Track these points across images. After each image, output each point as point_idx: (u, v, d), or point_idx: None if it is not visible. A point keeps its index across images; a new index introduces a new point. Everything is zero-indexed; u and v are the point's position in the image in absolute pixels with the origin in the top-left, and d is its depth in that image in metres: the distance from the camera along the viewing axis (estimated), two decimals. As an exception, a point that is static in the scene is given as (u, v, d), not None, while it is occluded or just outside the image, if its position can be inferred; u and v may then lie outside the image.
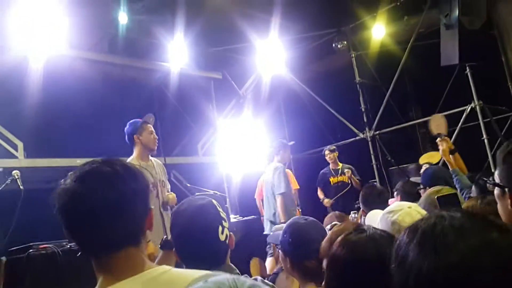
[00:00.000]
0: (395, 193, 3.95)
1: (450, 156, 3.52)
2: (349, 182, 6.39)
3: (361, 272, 1.21)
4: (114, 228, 1.07)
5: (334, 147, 6.73)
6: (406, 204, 1.92)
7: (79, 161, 5.49)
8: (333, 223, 2.68)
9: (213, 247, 1.62)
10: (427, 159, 5.79)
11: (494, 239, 0.70)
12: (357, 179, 6.42)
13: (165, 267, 1.12)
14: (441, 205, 1.64)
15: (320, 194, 6.62)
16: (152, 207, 1.19)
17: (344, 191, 6.35)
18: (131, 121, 4.10)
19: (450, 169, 3.43)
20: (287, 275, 2.43)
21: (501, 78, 7.29)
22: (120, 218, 1.07)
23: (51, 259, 3.44)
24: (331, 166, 6.62)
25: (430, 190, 2.22)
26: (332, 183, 6.50)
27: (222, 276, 0.69)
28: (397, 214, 1.82)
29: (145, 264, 1.11)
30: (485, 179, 2.70)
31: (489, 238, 0.70)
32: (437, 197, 1.70)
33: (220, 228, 1.64)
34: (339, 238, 1.33)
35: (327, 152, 6.59)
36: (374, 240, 1.27)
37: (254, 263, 3.93)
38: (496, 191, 1.48)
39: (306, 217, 2.12)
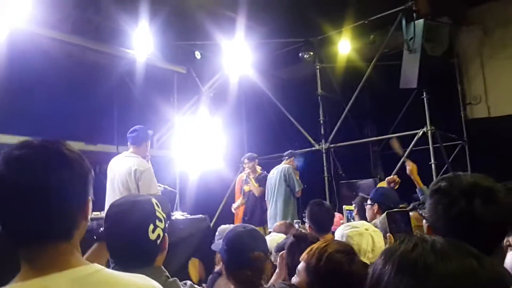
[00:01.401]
0: (353, 205, 4.07)
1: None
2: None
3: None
4: (42, 219, 0.99)
5: (255, 155, 6.63)
6: (366, 225, 2.03)
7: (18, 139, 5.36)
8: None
9: (141, 244, 1.57)
10: None
11: (475, 268, 0.69)
12: (257, 185, 6.33)
13: (96, 266, 1.05)
14: (391, 222, 1.66)
15: (237, 201, 6.69)
16: (90, 197, 1.09)
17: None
18: (144, 127, 4.45)
19: (418, 187, 3.55)
20: (225, 280, 2.44)
21: (455, 106, 7.60)
22: (48, 209, 0.99)
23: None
24: (249, 174, 6.50)
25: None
26: (245, 191, 6.54)
27: None
28: (351, 229, 1.96)
29: (75, 260, 1.03)
30: (420, 209, 2.83)
31: (470, 266, 0.69)
32: (387, 213, 1.73)
33: (152, 226, 1.58)
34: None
35: (245, 160, 6.51)
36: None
37: (193, 264, 3.90)
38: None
39: (246, 225, 2.11)
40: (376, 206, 3.47)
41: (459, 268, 0.68)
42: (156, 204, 1.65)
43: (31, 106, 5.49)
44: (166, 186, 5.59)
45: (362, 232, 1.92)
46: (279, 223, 3.79)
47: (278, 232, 3.20)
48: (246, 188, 6.47)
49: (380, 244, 1.93)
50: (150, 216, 1.60)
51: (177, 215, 5.64)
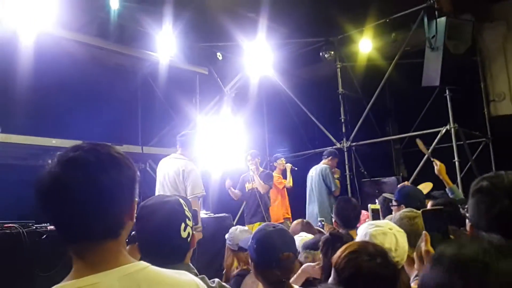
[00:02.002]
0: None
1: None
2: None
3: None
4: (92, 219, 1.03)
5: (258, 152, 6.50)
6: (390, 225, 2.02)
7: (54, 141, 5.49)
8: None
9: (173, 242, 1.64)
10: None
11: None
12: (264, 183, 6.12)
13: (143, 264, 1.09)
14: (426, 221, 1.67)
15: (231, 193, 6.44)
16: (137, 199, 1.14)
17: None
18: (192, 132, 5.12)
19: (447, 187, 3.53)
20: (253, 279, 2.48)
21: (478, 104, 7.51)
22: (99, 209, 1.03)
23: (16, 239, 3.35)
24: (251, 172, 6.29)
25: (403, 214, 2.29)
26: (247, 189, 6.29)
27: None
28: (375, 228, 1.95)
29: (123, 258, 1.08)
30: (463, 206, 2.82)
31: None
32: (422, 211, 1.72)
33: (183, 225, 1.66)
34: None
35: (248, 157, 6.32)
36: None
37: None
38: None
39: (276, 224, 2.13)
40: (402, 207, 3.43)
41: None
42: (184, 204, 1.74)
43: (57, 108, 5.65)
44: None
45: (385, 232, 1.92)
46: (296, 222, 3.81)
47: (294, 231, 3.23)
48: (248, 186, 6.29)
49: (404, 244, 1.93)
50: (181, 215, 1.68)
51: (201, 214, 5.73)
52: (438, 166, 3.65)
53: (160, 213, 1.66)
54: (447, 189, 3.55)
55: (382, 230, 1.94)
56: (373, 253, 1.55)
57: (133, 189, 1.12)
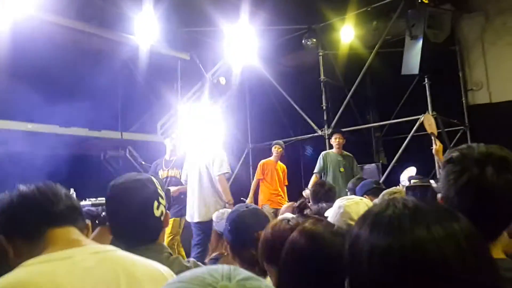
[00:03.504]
0: (347, 192, 4.12)
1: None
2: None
3: (319, 260, 1.25)
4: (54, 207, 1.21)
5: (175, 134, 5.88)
6: (358, 197, 2.14)
7: (30, 126, 5.39)
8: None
9: (147, 222, 1.60)
10: None
11: (456, 231, 0.69)
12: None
13: (111, 246, 1.22)
14: (410, 195, 1.68)
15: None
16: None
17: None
18: None
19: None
20: (228, 261, 2.48)
21: (456, 93, 7.65)
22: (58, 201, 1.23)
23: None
24: (166, 156, 5.64)
25: (385, 191, 2.34)
26: (161, 177, 5.19)
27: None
28: (347, 200, 2.04)
29: (87, 241, 1.22)
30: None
31: (451, 228, 0.69)
32: (407, 187, 1.74)
33: (156, 203, 1.62)
34: (299, 227, 1.37)
35: (167, 140, 5.75)
36: (330, 229, 1.35)
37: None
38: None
39: (249, 204, 2.15)
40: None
41: (442, 230, 0.69)
42: (156, 182, 1.69)
43: (36, 92, 5.54)
44: (171, 172, 5.64)
45: (357, 202, 2.03)
46: (287, 205, 3.85)
47: (285, 214, 3.25)
48: (162, 174, 5.51)
49: None
50: (154, 193, 1.64)
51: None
52: (437, 146, 3.68)
53: (132, 192, 1.60)
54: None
55: (354, 201, 2.04)
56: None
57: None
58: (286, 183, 6.59)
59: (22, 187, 1.22)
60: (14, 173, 4.14)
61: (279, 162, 6.56)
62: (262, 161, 6.55)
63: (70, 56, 5.98)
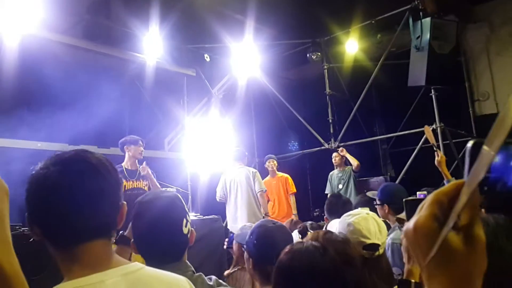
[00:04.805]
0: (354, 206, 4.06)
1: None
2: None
3: (294, 279, 1.27)
4: (89, 218, 1.05)
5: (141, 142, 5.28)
6: (365, 211, 2.07)
7: (40, 145, 5.41)
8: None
9: (176, 239, 1.59)
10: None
11: None
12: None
13: (139, 264, 1.14)
14: (408, 210, 1.67)
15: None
16: (125, 202, 1.17)
17: None
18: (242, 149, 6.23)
19: (446, 179, 3.50)
20: (241, 275, 2.45)
21: (464, 103, 7.62)
22: (95, 209, 1.06)
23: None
24: (125, 164, 5.05)
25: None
26: (126, 188, 4.86)
27: None
28: (354, 217, 1.98)
29: (116, 259, 1.12)
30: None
31: None
32: (405, 201, 1.72)
33: (185, 221, 1.61)
34: (287, 247, 1.37)
35: (131, 147, 5.16)
36: (308, 250, 1.33)
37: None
38: None
39: (275, 221, 2.13)
40: (386, 207, 3.31)
41: None
42: (182, 199, 1.68)
43: (43, 111, 5.57)
44: (178, 188, 5.64)
45: (365, 217, 1.97)
46: (286, 221, 3.83)
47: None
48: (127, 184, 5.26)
49: (382, 224, 1.99)
50: (182, 211, 1.62)
51: (191, 216, 5.69)
52: (439, 157, 3.63)
53: (161, 209, 1.59)
54: (445, 181, 3.53)
55: (361, 216, 1.97)
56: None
57: (120, 192, 1.15)
58: (294, 191, 6.59)
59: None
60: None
61: (278, 173, 6.58)
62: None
63: (77, 74, 6.02)
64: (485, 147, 0.48)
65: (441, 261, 0.51)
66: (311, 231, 2.21)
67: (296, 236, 2.57)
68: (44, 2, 4.95)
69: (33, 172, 1.06)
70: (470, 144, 0.59)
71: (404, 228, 0.58)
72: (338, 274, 1.25)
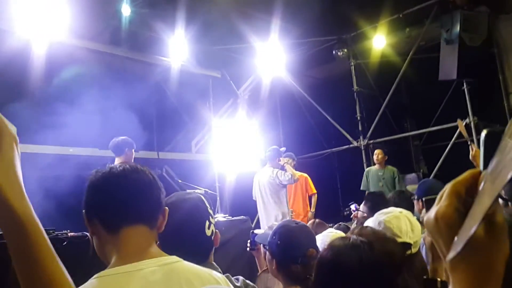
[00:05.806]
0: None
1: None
2: None
3: (341, 275, 1.23)
4: (138, 203, 1.21)
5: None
6: (399, 209, 2.02)
7: (72, 150, 5.50)
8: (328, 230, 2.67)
9: (199, 241, 1.59)
10: None
11: None
12: None
13: (176, 257, 1.24)
14: (428, 208, 1.63)
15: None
16: (167, 208, 1.31)
17: None
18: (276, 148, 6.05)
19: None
20: (265, 276, 2.42)
21: (497, 96, 7.36)
22: (143, 197, 1.22)
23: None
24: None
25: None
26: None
27: None
28: (386, 215, 1.94)
29: (156, 250, 1.24)
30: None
31: None
32: (425, 200, 1.69)
33: (207, 223, 1.61)
34: (327, 244, 1.34)
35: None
36: (356, 246, 1.29)
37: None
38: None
39: (297, 221, 2.11)
40: (420, 202, 3.33)
41: None
42: (206, 201, 1.68)
43: (72, 117, 5.67)
44: (206, 189, 5.65)
45: (397, 216, 1.93)
46: (309, 222, 3.76)
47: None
48: None
49: (416, 223, 1.94)
50: (204, 212, 1.62)
51: (219, 217, 5.70)
52: (473, 151, 3.57)
53: (184, 211, 1.59)
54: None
55: (393, 215, 1.94)
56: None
57: (162, 194, 1.30)
58: (314, 192, 6.37)
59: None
60: (57, 195, 4.25)
61: (297, 173, 6.46)
62: None
63: (104, 80, 6.11)
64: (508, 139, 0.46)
65: (464, 250, 0.52)
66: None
67: (329, 234, 2.51)
68: (71, 9, 5.03)
69: (95, 173, 1.25)
70: (484, 133, 0.59)
71: (425, 218, 0.59)
72: (385, 270, 1.23)
